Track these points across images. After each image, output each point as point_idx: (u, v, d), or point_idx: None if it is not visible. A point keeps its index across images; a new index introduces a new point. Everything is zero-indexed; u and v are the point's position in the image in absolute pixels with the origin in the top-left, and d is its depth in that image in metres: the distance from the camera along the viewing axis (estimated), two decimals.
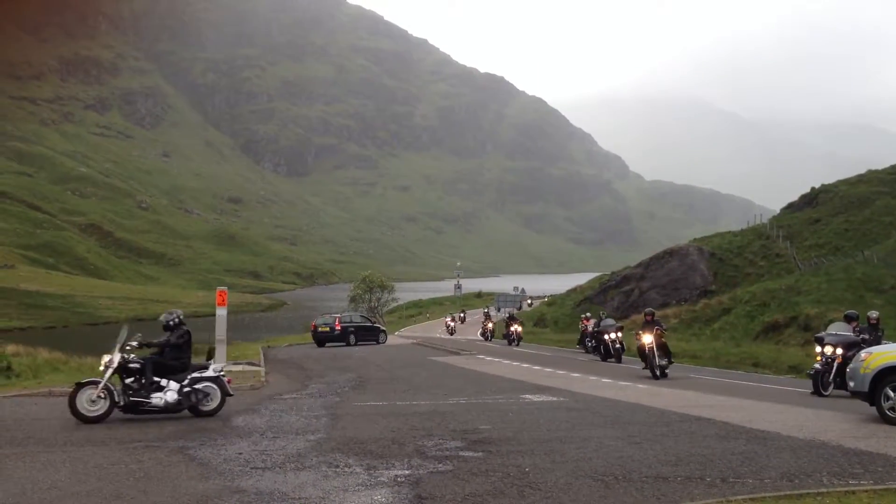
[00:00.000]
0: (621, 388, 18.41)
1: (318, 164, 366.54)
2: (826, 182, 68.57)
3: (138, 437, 10.76)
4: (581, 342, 35.66)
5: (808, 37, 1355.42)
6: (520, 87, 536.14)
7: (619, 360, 28.66)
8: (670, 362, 22.06)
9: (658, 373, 21.04)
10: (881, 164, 69.30)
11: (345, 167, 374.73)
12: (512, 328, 42.14)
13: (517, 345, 40.80)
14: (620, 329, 30.22)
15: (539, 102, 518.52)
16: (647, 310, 24.48)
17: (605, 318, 32.74)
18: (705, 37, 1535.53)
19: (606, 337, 29.53)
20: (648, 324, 22.28)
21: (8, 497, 7.29)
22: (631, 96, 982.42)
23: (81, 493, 7.46)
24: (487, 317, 52.96)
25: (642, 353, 22.12)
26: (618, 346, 29.12)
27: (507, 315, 46.62)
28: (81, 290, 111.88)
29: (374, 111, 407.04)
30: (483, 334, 50.50)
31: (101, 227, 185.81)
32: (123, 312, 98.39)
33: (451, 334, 56.36)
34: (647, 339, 21.66)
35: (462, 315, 70.63)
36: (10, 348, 23.05)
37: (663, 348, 21.69)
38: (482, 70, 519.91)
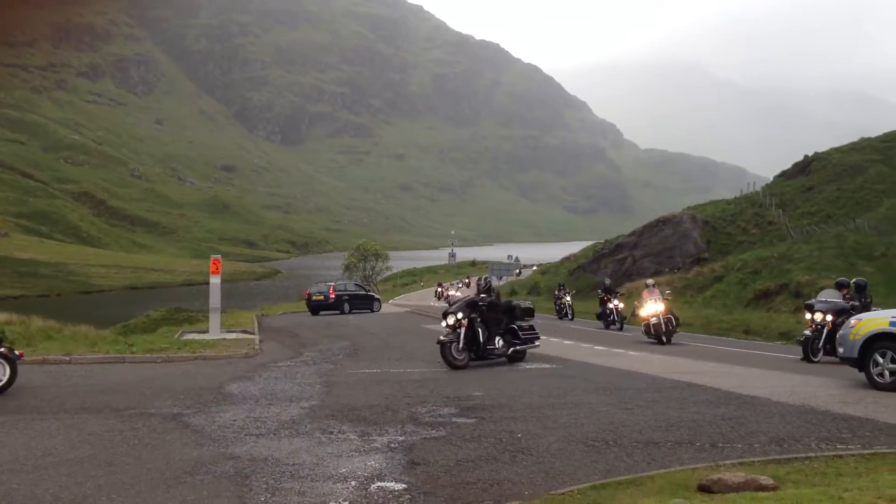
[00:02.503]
0: (614, 355, 18.51)
1: (312, 132, 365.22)
2: (821, 150, 68.46)
3: (132, 405, 10.81)
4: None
5: (809, 5, 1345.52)
6: (515, 54, 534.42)
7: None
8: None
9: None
10: (877, 131, 69.05)
11: (339, 135, 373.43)
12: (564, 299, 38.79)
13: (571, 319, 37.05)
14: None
15: (534, 70, 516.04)
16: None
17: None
18: (704, 4, 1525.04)
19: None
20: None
21: (2, 464, 7.33)
22: (628, 64, 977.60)
23: (75, 460, 7.51)
24: (562, 288, 41.40)
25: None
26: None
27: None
28: (75, 258, 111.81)
29: (368, 79, 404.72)
30: (560, 310, 38.75)
31: (94, 195, 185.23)
32: (117, 281, 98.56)
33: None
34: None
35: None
36: (3, 317, 23.02)
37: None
38: (477, 37, 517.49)
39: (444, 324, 15.70)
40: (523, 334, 16.34)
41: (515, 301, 18.23)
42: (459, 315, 15.41)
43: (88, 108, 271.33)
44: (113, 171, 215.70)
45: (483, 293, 16.35)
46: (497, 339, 15.94)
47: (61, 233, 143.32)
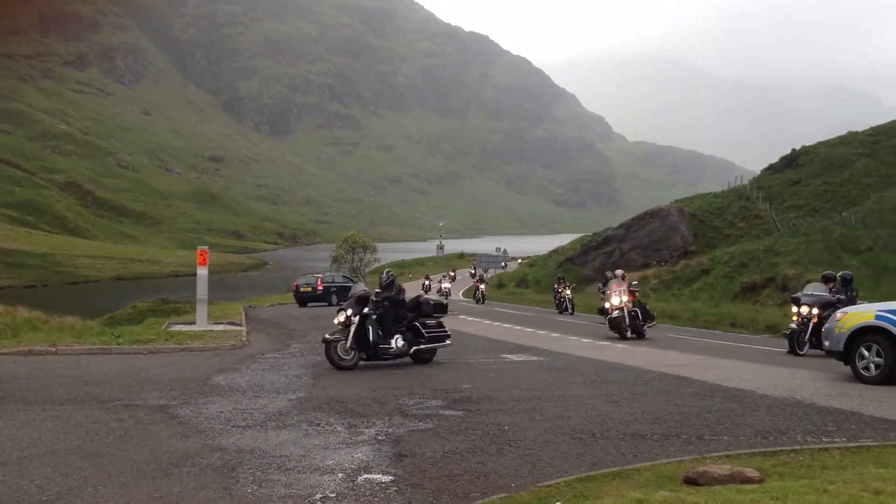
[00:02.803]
0: (601, 347, 18.56)
1: (300, 124, 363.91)
2: (808, 143, 68.75)
3: (119, 396, 10.77)
4: None
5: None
6: (504, 46, 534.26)
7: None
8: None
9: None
10: (864, 126, 69.39)
11: (328, 126, 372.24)
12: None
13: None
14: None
15: (523, 62, 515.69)
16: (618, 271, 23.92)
17: None
18: None
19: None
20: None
21: None
22: (617, 57, 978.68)
23: (61, 451, 7.47)
24: (562, 281, 39.55)
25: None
26: None
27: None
28: (61, 248, 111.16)
29: (357, 70, 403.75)
30: (559, 304, 37.76)
31: (81, 185, 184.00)
32: (104, 272, 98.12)
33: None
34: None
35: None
36: None
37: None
38: (467, 29, 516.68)
39: (336, 321, 14.73)
40: (428, 332, 15.16)
41: (426, 296, 16.84)
42: (349, 312, 14.38)
43: (75, 97, 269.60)
44: (100, 161, 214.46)
45: (384, 288, 15.17)
46: (396, 337, 14.75)
47: (48, 223, 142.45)
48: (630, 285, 22.33)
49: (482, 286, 48.32)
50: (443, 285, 54.74)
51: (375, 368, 14.23)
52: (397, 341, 14.80)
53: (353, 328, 14.25)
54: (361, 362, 14.46)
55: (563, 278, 40.90)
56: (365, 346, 14.37)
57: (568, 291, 37.47)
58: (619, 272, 23.51)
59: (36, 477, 6.56)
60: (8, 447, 7.61)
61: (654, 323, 22.75)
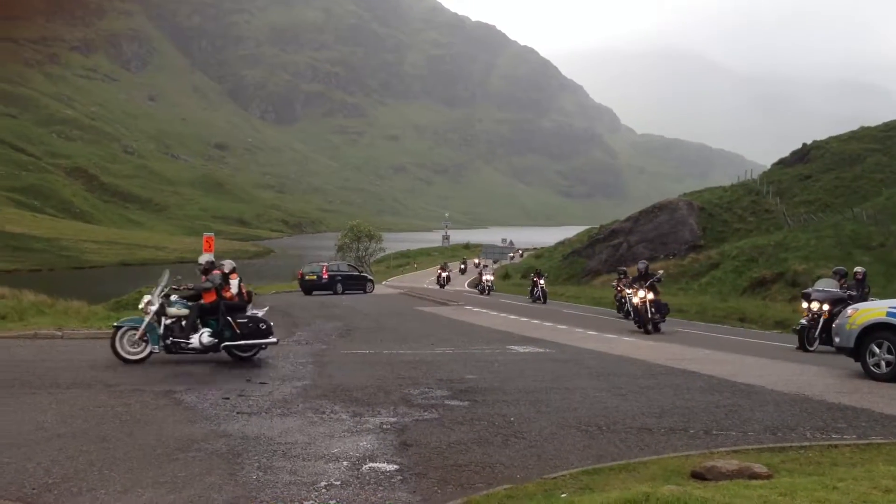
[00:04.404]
0: (608, 340, 18.48)
1: (306, 112, 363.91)
2: (820, 138, 68.45)
3: (125, 381, 10.75)
4: None
5: None
6: (511, 36, 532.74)
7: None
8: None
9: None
10: (877, 121, 69.06)
11: (333, 115, 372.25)
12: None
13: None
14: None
15: (531, 53, 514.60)
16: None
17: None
18: None
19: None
20: (642, 277, 20.98)
21: None
22: (625, 49, 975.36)
23: (67, 435, 7.46)
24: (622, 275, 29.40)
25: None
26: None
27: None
28: (67, 233, 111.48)
29: (363, 59, 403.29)
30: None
31: (87, 170, 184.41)
32: (109, 257, 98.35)
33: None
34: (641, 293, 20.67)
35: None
36: None
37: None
38: (473, 18, 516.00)
39: (140, 307, 13.06)
40: (242, 327, 13.08)
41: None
42: (147, 299, 12.83)
43: (81, 83, 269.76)
44: (106, 146, 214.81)
45: (202, 274, 13.37)
46: (202, 332, 12.95)
47: (53, 208, 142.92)
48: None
49: (541, 281, 37.87)
50: (484, 278, 46.74)
51: (378, 359, 14.15)
52: (202, 336, 12.90)
53: (147, 318, 12.64)
54: (155, 355, 12.83)
55: (651, 268, 31.19)
56: (157, 338, 12.71)
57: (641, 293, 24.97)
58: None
59: (42, 460, 6.56)
60: (14, 430, 7.60)
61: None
